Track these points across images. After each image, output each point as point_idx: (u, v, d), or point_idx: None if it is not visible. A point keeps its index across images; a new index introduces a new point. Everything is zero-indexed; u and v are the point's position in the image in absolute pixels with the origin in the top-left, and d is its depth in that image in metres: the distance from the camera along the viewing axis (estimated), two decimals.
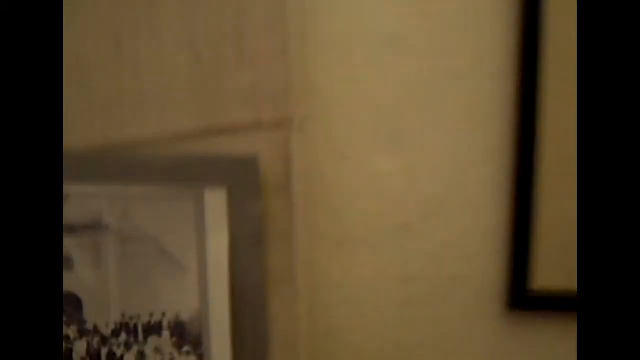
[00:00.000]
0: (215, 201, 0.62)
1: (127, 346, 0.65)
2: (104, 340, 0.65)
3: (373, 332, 0.75)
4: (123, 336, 0.65)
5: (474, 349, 0.74)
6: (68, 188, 0.64)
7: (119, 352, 0.65)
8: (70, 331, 0.65)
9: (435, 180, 0.72)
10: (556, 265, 0.70)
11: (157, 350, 0.64)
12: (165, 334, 0.64)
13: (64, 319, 0.65)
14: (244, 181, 0.61)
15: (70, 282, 0.65)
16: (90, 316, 0.65)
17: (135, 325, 0.65)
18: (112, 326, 0.65)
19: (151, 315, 0.64)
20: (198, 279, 0.63)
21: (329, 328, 0.75)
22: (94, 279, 0.65)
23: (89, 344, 0.65)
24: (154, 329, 0.64)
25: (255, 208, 0.62)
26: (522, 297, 0.72)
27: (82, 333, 0.65)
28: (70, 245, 0.65)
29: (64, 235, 0.64)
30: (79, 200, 0.64)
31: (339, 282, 0.74)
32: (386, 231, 0.73)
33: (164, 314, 0.64)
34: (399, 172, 0.72)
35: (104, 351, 0.65)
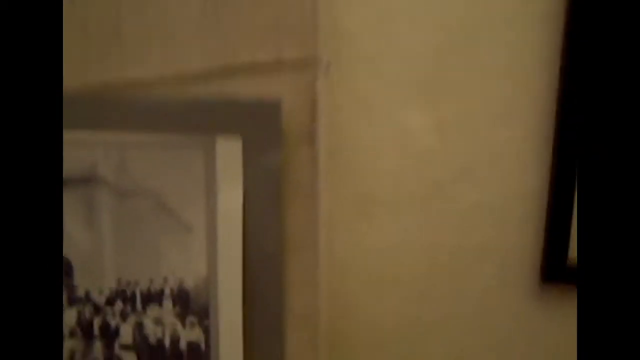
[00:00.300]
0: (228, 151, 0.54)
1: (123, 316, 0.57)
2: (97, 310, 0.57)
3: (392, 306, 0.68)
4: (119, 305, 0.57)
5: (504, 326, 0.68)
6: None
7: (113, 323, 0.57)
8: None
9: (468, 138, 0.64)
10: None
11: (157, 321, 0.57)
12: (167, 303, 0.57)
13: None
14: (262, 129, 0.54)
15: None
16: (82, 282, 0.57)
17: (133, 293, 0.57)
18: (106, 294, 0.57)
19: (151, 281, 0.56)
20: (206, 241, 0.55)
21: (344, 301, 0.68)
22: (86, 240, 0.57)
23: (79, 314, 0.57)
24: (154, 297, 0.57)
25: (274, 160, 0.54)
26: (559, 269, 0.65)
27: (72, 301, 0.57)
28: None
29: None
30: (70, 149, 0.56)
31: (357, 249, 0.67)
32: (412, 193, 0.66)
33: (165, 281, 0.56)
34: (429, 128, 0.65)
35: (97, 321, 0.57)
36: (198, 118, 0.54)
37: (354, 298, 0.68)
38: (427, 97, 0.64)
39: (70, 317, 0.57)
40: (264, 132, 0.53)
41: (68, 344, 0.57)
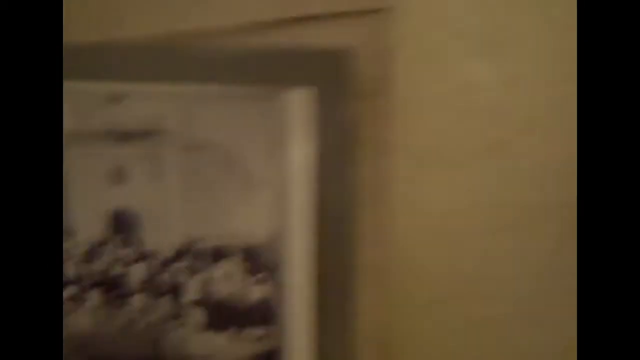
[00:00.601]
0: (299, 103, 0.52)
1: (191, 272, 0.56)
2: (164, 265, 0.56)
3: (452, 265, 0.67)
4: (186, 261, 0.56)
5: (568, 286, 0.66)
6: (122, 87, 0.54)
7: (181, 279, 0.56)
8: (126, 253, 0.57)
9: (537, 91, 0.62)
10: None
11: (226, 277, 0.56)
12: (236, 259, 0.56)
13: (118, 238, 0.56)
14: (334, 80, 0.52)
15: (126, 197, 0.56)
16: (149, 237, 0.56)
17: (201, 249, 0.56)
18: (173, 249, 0.56)
19: (219, 237, 0.55)
20: (276, 196, 0.54)
21: (404, 259, 0.67)
22: (153, 195, 0.56)
23: (146, 269, 0.57)
24: (222, 253, 0.56)
25: (346, 112, 0.52)
26: None
27: (139, 256, 0.57)
28: (124, 154, 0.55)
29: (117, 143, 0.55)
30: (135, 102, 0.55)
31: (417, 207, 0.66)
32: (476, 149, 0.64)
33: (234, 236, 0.55)
34: (495, 81, 0.62)
35: (164, 277, 0.56)
36: (268, 69, 0.52)
37: (411, 253, 0.67)
38: (493, 50, 0.62)
39: (136, 272, 0.57)
40: (336, 82, 0.52)
41: (135, 300, 0.57)
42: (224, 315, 0.56)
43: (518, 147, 0.64)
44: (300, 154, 0.53)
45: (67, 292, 0.58)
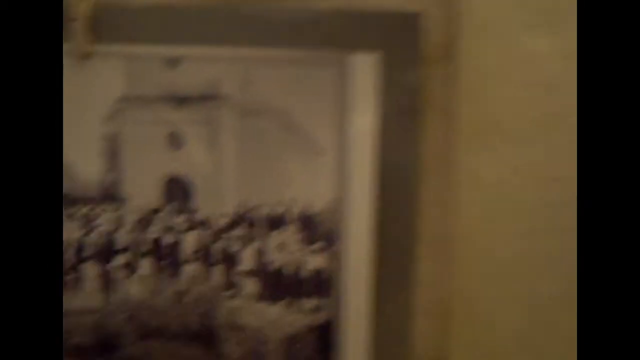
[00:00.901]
0: (363, 67, 0.51)
1: (245, 242, 0.55)
2: (217, 234, 0.55)
3: (507, 240, 0.65)
4: (240, 229, 0.55)
5: None
6: (178, 50, 0.53)
7: (234, 248, 0.55)
8: (178, 221, 0.55)
9: None
10: None
11: (281, 247, 0.55)
12: (291, 227, 0.54)
13: (171, 206, 0.55)
14: (399, 44, 0.50)
15: (179, 164, 0.54)
16: (202, 205, 0.55)
17: (255, 217, 0.55)
18: (227, 218, 0.55)
19: (275, 205, 0.54)
20: (336, 163, 0.52)
21: (465, 229, 0.65)
22: (208, 161, 0.54)
23: (199, 237, 0.55)
24: (277, 221, 0.54)
25: (411, 78, 0.51)
26: None
27: (191, 224, 0.55)
28: (179, 119, 0.54)
29: (173, 108, 0.53)
30: (192, 65, 0.53)
31: (473, 179, 0.64)
32: (534, 122, 0.62)
33: (290, 204, 0.54)
34: (554, 53, 0.61)
35: (217, 247, 0.55)
36: (331, 32, 0.51)
37: (467, 226, 0.65)
38: (554, 23, 0.60)
39: (189, 242, 0.55)
40: (401, 47, 0.50)
41: (187, 270, 0.55)
42: (279, 286, 0.55)
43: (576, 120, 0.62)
44: (363, 121, 0.51)
45: (119, 260, 0.56)
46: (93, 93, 0.54)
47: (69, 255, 0.57)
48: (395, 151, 0.52)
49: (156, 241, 0.56)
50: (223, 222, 0.55)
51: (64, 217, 0.56)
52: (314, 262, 0.54)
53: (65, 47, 0.52)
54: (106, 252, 0.56)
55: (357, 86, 0.51)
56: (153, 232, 0.56)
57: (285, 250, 0.54)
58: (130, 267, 0.56)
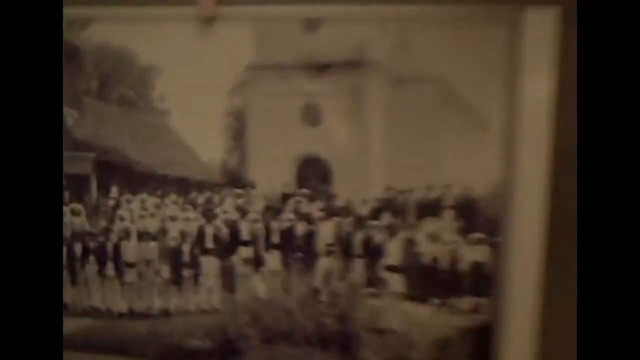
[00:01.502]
0: (539, 26, 0.43)
1: (391, 231, 0.48)
2: (360, 222, 0.48)
3: None
4: (386, 218, 0.48)
5: None
6: (317, 10, 0.46)
7: (379, 239, 0.48)
8: (313, 209, 0.48)
9: None
10: None
11: (434, 237, 0.47)
12: (448, 215, 0.47)
13: (305, 191, 0.48)
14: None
15: (316, 143, 0.47)
16: (342, 190, 0.48)
17: (405, 204, 0.47)
18: (371, 204, 0.48)
19: (429, 189, 0.47)
20: (503, 139, 0.45)
21: None
22: (350, 138, 0.47)
23: (339, 226, 0.48)
24: (431, 208, 0.47)
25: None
26: None
27: (330, 212, 0.48)
28: (317, 90, 0.47)
29: (311, 77, 0.46)
30: (335, 27, 0.46)
31: None
32: None
33: (447, 189, 0.46)
34: None
35: (359, 236, 0.48)
36: None
37: None
38: None
39: (326, 232, 0.48)
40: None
41: (322, 264, 0.48)
42: (430, 283, 0.48)
43: None
44: (537, 89, 0.44)
45: (243, 253, 0.50)
46: (217, 62, 0.48)
47: (186, 248, 0.50)
48: (573, 126, 0.44)
49: (287, 231, 0.49)
50: (366, 209, 0.48)
51: (181, 204, 0.49)
52: (473, 255, 0.47)
53: (187, 11, 0.45)
54: (229, 245, 0.50)
55: (532, 48, 0.43)
56: (283, 221, 0.49)
57: (439, 241, 0.47)
58: (255, 262, 0.49)
